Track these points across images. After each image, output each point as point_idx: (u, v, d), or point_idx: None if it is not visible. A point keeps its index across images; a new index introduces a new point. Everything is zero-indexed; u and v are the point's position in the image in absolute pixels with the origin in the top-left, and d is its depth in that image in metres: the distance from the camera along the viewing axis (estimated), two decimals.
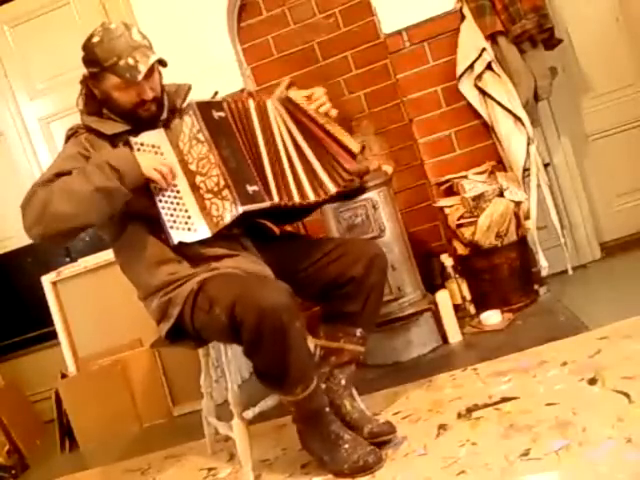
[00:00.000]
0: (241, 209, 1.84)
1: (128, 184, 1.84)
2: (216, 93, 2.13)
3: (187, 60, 3.00)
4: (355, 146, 2.06)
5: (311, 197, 1.99)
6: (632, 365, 1.92)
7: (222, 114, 1.95)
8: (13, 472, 2.97)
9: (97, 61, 1.91)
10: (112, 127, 1.97)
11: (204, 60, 3.10)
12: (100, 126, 1.97)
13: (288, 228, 2.34)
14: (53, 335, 3.31)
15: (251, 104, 2.02)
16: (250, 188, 1.88)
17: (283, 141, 2.02)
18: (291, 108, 2.03)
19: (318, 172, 2.01)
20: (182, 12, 3.15)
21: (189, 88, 2.11)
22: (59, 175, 1.87)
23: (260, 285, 1.83)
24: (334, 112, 2.07)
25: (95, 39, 1.91)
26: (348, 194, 2.62)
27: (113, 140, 1.96)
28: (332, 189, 2.01)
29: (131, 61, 1.87)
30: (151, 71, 1.92)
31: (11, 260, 3.73)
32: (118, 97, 1.94)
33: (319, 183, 2.01)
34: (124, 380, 3.08)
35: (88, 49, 1.93)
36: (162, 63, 1.95)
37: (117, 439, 2.99)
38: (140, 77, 1.87)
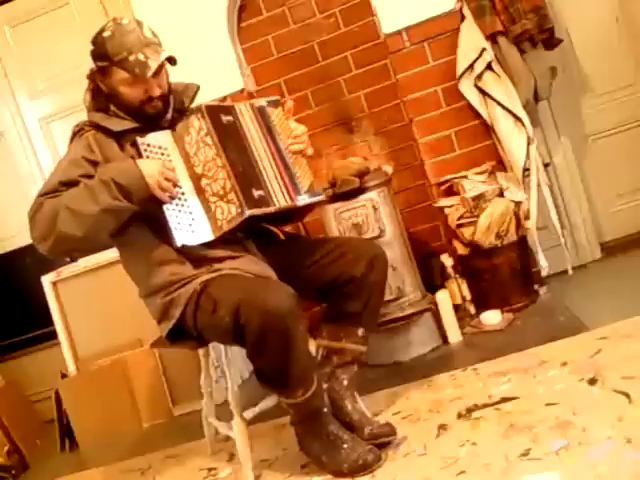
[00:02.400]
0: (247, 213, 1.83)
1: (135, 200, 1.84)
2: (225, 98, 2.12)
3: (187, 60, 2.95)
4: (304, 185, 2.02)
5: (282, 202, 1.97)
6: (632, 365, 1.92)
7: (230, 118, 1.96)
8: (13, 472, 2.98)
9: (107, 55, 1.90)
10: (119, 124, 1.96)
11: (204, 60, 3.09)
12: (107, 123, 1.96)
13: (287, 228, 2.33)
14: (53, 335, 3.31)
15: (237, 108, 2.02)
16: (256, 192, 1.88)
17: (261, 145, 2.00)
18: (260, 119, 2.02)
19: (271, 181, 1.98)
20: (182, 12, 3.15)
21: (197, 89, 2.11)
22: (64, 183, 1.87)
23: (264, 288, 1.83)
24: (310, 151, 2.08)
25: (106, 33, 1.91)
26: (348, 193, 2.63)
27: (120, 138, 1.96)
28: (282, 202, 1.96)
29: (141, 57, 1.87)
30: (160, 68, 1.92)
31: (11, 260, 3.73)
32: (125, 92, 1.93)
33: (269, 191, 1.97)
34: (124, 380, 3.08)
35: (98, 43, 1.92)
36: (172, 61, 1.94)
37: (117, 439, 2.99)
38: (150, 73, 1.87)
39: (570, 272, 2.99)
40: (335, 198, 2.65)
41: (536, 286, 2.94)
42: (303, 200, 2.01)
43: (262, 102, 2.05)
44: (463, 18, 2.91)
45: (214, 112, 1.93)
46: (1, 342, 3.74)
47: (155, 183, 1.85)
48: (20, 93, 3.70)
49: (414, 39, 3.01)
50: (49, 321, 3.26)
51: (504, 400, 2.00)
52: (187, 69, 2.79)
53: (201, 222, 1.90)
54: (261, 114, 2.03)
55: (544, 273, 2.93)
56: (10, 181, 3.71)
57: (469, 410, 2.01)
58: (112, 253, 2.80)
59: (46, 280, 3.21)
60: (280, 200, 1.95)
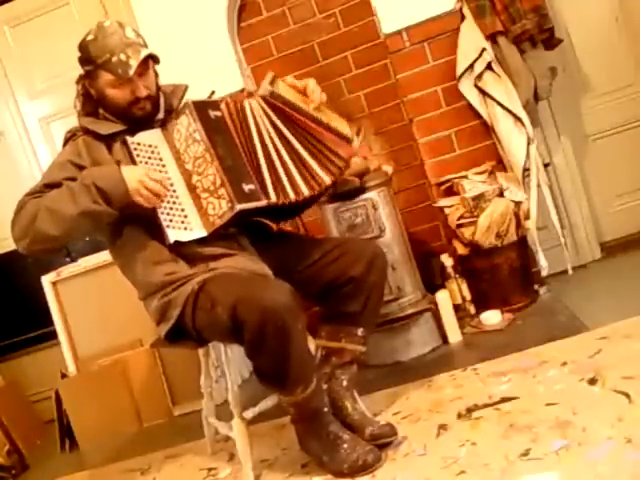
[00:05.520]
0: (237, 208, 1.83)
1: (114, 205, 1.84)
2: (213, 92, 2.13)
3: (187, 60, 3.00)
4: (348, 131, 2.05)
5: (305, 192, 1.98)
6: (632, 365, 1.92)
7: (218, 113, 1.96)
8: (13, 472, 2.98)
9: (91, 59, 1.91)
10: (108, 127, 1.97)
11: (204, 60, 3.09)
12: (96, 127, 1.97)
13: (288, 228, 2.33)
14: (53, 335, 3.31)
15: (246, 104, 2.02)
16: (246, 187, 1.88)
17: (271, 138, 2.00)
18: (277, 103, 2.02)
19: (311, 165, 2.00)
20: (182, 12, 3.15)
21: (186, 88, 2.11)
22: (48, 186, 1.89)
23: (262, 285, 1.83)
24: (324, 97, 2.06)
25: (89, 37, 1.93)
26: (348, 193, 2.62)
27: (109, 141, 1.96)
28: (326, 180, 2.00)
29: (123, 57, 1.88)
30: (144, 68, 1.92)
31: (11, 260, 3.72)
32: (112, 95, 1.94)
33: (312, 176, 2.00)
34: (124, 380, 3.08)
35: (83, 47, 1.94)
36: (154, 59, 1.95)
37: (117, 439, 2.99)
38: (131, 72, 1.87)
39: (570, 272, 2.99)
40: (335, 198, 2.65)
41: (536, 286, 2.94)
42: (356, 144, 2.04)
43: (267, 87, 2.02)
44: (463, 18, 2.91)
45: (202, 108, 1.92)
46: (1, 342, 3.74)
47: (134, 190, 1.84)
48: (20, 93, 3.70)
49: (414, 39, 3.01)
50: (49, 321, 3.26)
51: (504, 400, 2.00)
52: (187, 69, 2.82)
53: (193, 218, 1.90)
54: (274, 98, 2.02)
55: (544, 273, 2.93)
56: (10, 181, 3.71)
57: (469, 410, 2.01)
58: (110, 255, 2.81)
59: (46, 280, 3.21)
60: (275, 192, 1.94)
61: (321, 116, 2.04)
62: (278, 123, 2.01)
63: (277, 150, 2.00)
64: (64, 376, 3.17)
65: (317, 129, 2.03)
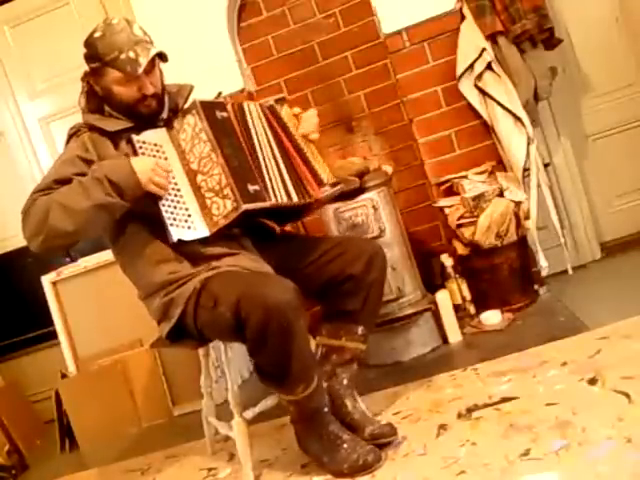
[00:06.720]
0: (243, 208, 1.84)
1: (127, 197, 1.84)
2: (220, 93, 2.14)
3: (187, 60, 3.00)
4: (325, 175, 2.11)
5: (294, 198, 2.01)
6: (632, 365, 1.92)
7: (225, 114, 1.97)
8: (13, 472, 2.98)
9: (98, 56, 1.91)
10: (114, 124, 1.96)
11: (204, 60, 3.10)
12: (102, 124, 1.97)
13: (287, 228, 2.34)
14: (53, 335, 3.31)
15: (245, 105, 2.05)
16: (252, 187, 1.89)
17: (268, 144, 2.04)
18: (271, 118, 2.08)
19: (286, 180, 2.03)
20: (182, 12, 3.16)
21: (191, 89, 2.11)
22: (58, 182, 1.87)
23: (265, 282, 1.83)
24: (315, 136, 2.12)
25: (97, 34, 1.92)
26: (348, 193, 2.62)
27: (115, 138, 1.96)
28: (294, 198, 2.02)
29: (132, 55, 1.87)
30: (152, 65, 1.93)
31: (11, 260, 3.74)
32: (119, 92, 1.94)
33: (285, 189, 2.02)
34: (124, 380, 3.08)
35: (90, 44, 1.93)
36: (163, 57, 1.95)
37: (117, 439, 2.99)
38: (140, 70, 1.87)
39: (570, 272, 2.99)
40: (335, 198, 2.65)
41: (536, 286, 2.94)
42: (326, 191, 2.09)
43: (270, 101, 2.11)
44: (463, 18, 2.91)
45: (209, 108, 1.93)
46: (1, 342, 3.74)
47: (147, 180, 1.84)
48: (20, 93, 3.70)
49: (414, 39, 3.01)
50: (49, 321, 3.26)
51: (504, 400, 2.00)
52: (187, 69, 2.82)
53: (197, 218, 1.90)
54: (271, 112, 2.08)
55: (544, 273, 2.93)
56: (10, 181, 3.71)
57: (469, 410, 2.01)
58: (112, 253, 2.81)
59: (46, 280, 3.21)
60: (282, 196, 1.97)
61: (306, 149, 2.10)
62: (269, 134, 2.06)
63: (274, 155, 2.03)
64: (64, 376, 3.17)
65: (296, 159, 2.07)
